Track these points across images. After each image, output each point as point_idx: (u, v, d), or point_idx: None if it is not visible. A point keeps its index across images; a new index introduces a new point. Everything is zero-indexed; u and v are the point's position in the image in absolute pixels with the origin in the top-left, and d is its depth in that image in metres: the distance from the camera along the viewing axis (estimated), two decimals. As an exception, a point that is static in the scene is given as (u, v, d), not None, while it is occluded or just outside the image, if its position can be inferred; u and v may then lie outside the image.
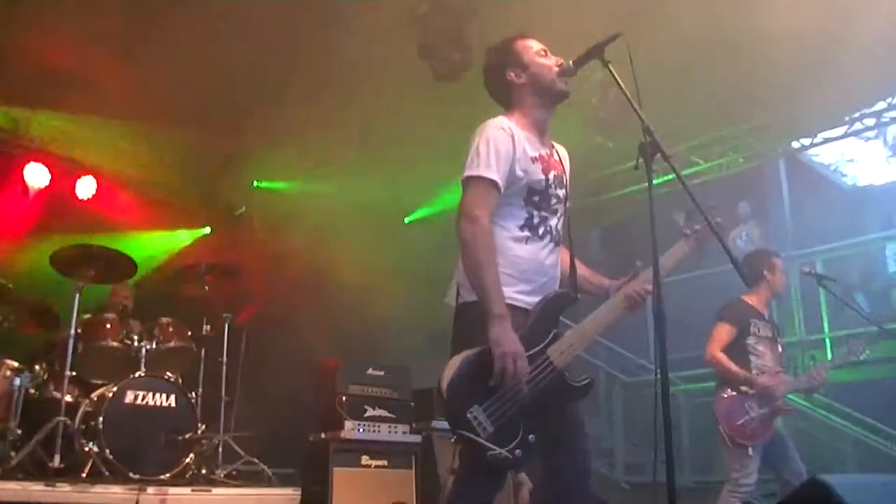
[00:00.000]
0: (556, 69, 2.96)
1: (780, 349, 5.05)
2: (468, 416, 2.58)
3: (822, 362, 4.94)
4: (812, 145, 9.92)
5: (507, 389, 2.60)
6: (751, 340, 4.89)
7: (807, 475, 4.57)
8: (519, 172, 2.84)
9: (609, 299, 2.94)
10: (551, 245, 2.93)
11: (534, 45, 3.05)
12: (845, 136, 9.33)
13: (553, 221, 2.95)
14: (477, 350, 2.64)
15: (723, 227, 2.95)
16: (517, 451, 2.60)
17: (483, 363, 2.61)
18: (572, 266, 3.07)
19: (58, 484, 4.24)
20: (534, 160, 2.89)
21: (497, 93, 3.11)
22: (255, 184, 8.52)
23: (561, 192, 2.98)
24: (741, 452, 4.68)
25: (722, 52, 5.99)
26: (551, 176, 2.93)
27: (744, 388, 4.76)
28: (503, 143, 2.84)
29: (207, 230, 8.53)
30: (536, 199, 2.89)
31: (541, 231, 2.90)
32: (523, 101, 3.01)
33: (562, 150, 3.16)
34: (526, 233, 2.87)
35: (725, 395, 4.81)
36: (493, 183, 2.79)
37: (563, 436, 2.82)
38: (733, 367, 4.79)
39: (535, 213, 2.89)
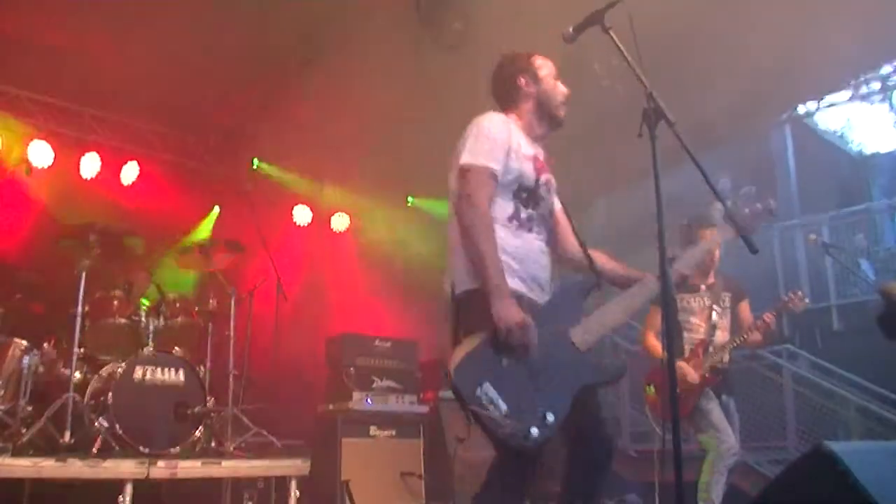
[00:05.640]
0: (562, 97, 3.07)
1: (716, 317, 4.89)
2: (478, 393, 2.56)
3: (767, 312, 4.79)
4: (817, 110, 9.84)
5: (520, 367, 2.60)
6: (681, 316, 4.91)
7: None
8: (513, 164, 2.87)
9: (638, 285, 2.93)
10: (542, 244, 2.95)
11: (551, 67, 3.12)
12: (851, 100, 9.26)
13: (540, 222, 2.96)
14: (484, 335, 2.63)
15: (773, 212, 3.03)
16: (532, 430, 2.54)
17: (492, 346, 2.60)
18: (589, 257, 3.06)
19: (69, 459, 4.29)
20: (527, 158, 2.92)
21: (501, 93, 3.14)
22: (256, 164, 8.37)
23: (550, 200, 3.02)
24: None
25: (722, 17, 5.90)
26: (543, 179, 2.96)
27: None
28: (501, 134, 2.89)
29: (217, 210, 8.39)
30: (525, 195, 2.91)
31: (528, 227, 2.92)
32: (524, 107, 3.08)
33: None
34: (515, 223, 2.88)
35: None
36: (493, 173, 2.82)
37: (584, 415, 2.78)
38: (657, 355, 4.85)
39: (522, 208, 2.91)
